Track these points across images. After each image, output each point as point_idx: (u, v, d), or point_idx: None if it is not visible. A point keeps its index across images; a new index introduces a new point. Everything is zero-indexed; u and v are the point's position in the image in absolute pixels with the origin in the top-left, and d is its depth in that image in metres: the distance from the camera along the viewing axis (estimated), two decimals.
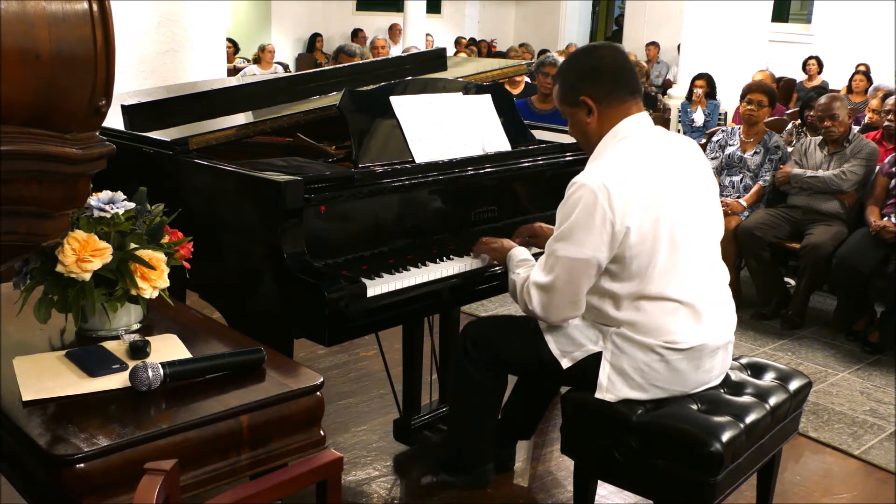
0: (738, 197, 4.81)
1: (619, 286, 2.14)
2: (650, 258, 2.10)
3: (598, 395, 2.19)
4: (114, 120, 2.57)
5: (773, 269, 4.74)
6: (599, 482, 2.41)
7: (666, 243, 2.11)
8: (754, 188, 4.80)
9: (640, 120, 2.22)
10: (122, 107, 2.64)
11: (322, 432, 1.79)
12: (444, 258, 2.44)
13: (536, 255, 2.33)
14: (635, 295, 2.14)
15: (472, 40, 14.87)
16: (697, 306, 2.17)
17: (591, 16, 16.95)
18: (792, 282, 4.86)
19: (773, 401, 2.26)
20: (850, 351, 4.29)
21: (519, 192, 2.81)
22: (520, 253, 2.37)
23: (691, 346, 2.16)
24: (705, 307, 2.18)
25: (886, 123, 4.92)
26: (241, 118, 2.76)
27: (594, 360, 2.22)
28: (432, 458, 2.81)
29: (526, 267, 2.30)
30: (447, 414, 2.84)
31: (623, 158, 2.14)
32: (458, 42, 14.45)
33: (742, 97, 5.03)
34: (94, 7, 1.25)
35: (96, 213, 1.87)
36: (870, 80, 9.33)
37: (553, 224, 2.60)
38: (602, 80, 2.22)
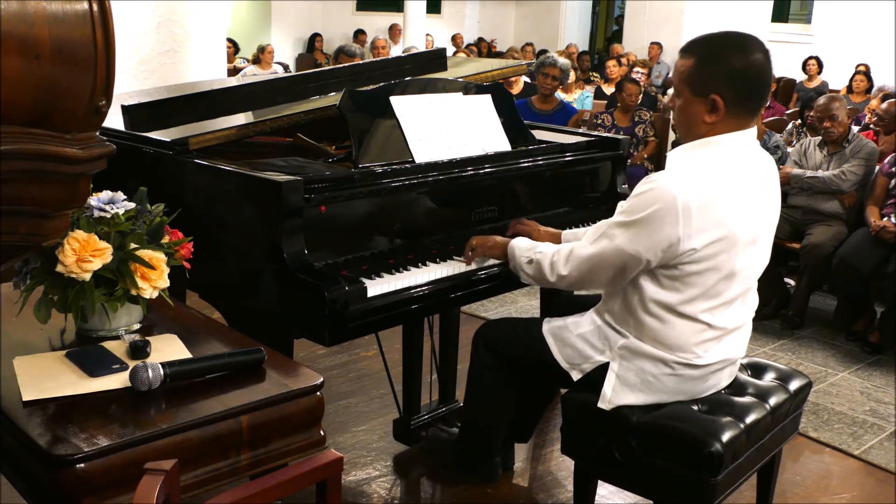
0: None
1: (658, 292, 2.10)
2: (698, 279, 2.06)
3: (600, 404, 2.18)
4: (114, 120, 2.57)
5: (773, 269, 4.73)
6: (599, 482, 2.41)
7: (719, 271, 2.06)
8: None
9: (746, 136, 2.11)
10: (122, 107, 2.64)
11: (322, 432, 1.79)
12: (445, 258, 2.44)
13: None
14: (669, 306, 2.10)
15: (480, 39, 14.88)
16: (724, 330, 2.15)
17: (591, 16, 16.94)
18: (792, 282, 4.86)
19: (773, 401, 2.26)
20: (850, 351, 4.30)
21: (519, 192, 2.81)
22: (524, 241, 2.36)
23: (707, 364, 2.15)
24: (731, 330, 2.17)
25: (872, 126, 4.93)
26: (241, 118, 2.76)
27: (599, 368, 2.22)
28: (443, 451, 2.83)
29: (545, 245, 2.29)
30: (462, 410, 2.84)
31: (711, 171, 2.04)
32: (454, 39, 14.45)
33: None
34: (94, 7, 1.25)
35: (96, 213, 1.87)
36: (870, 80, 9.35)
37: (552, 227, 2.62)
38: (743, 86, 2.05)
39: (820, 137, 4.75)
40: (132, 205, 1.93)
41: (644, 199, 2.02)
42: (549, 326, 2.33)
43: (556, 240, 2.52)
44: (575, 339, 2.26)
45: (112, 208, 1.88)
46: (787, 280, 4.96)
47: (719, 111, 2.06)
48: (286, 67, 11.20)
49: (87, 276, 1.80)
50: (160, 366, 1.66)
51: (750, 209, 2.09)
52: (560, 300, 3.02)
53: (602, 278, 2.15)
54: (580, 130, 4.05)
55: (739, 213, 2.05)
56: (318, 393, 1.77)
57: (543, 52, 10.27)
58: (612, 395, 2.17)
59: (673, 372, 2.14)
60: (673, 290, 2.09)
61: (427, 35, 13.02)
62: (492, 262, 2.47)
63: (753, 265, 2.17)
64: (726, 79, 2.05)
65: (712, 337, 2.14)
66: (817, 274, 4.49)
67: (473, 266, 2.44)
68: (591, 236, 2.17)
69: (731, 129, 2.08)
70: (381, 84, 2.60)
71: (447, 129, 2.61)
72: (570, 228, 2.66)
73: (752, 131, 2.14)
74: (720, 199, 2.02)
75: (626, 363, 2.17)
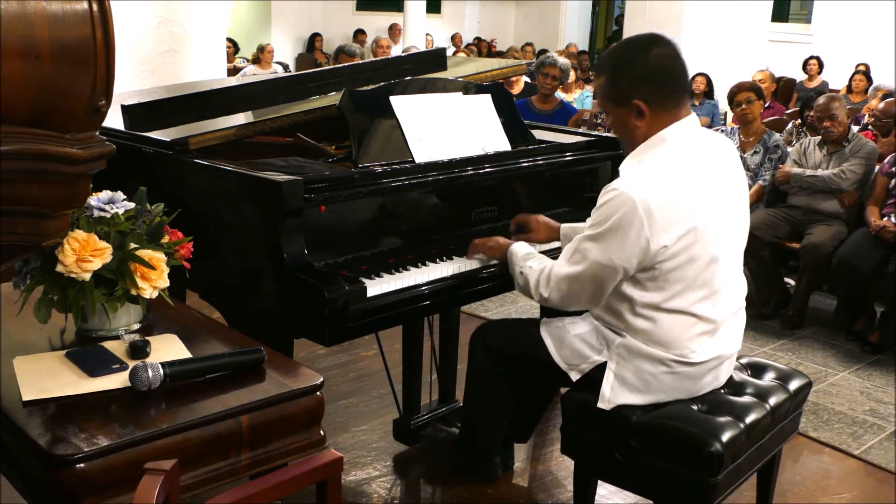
0: None
1: (642, 294, 2.11)
2: (680, 274, 2.07)
3: (600, 405, 2.18)
4: (114, 120, 2.57)
5: (773, 269, 4.74)
6: (599, 482, 2.41)
7: (697, 260, 2.07)
8: (754, 188, 4.80)
9: (686, 125, 2.15)
10: (122, 107, 2.64)
11: (322, 432, 1.79)
12: (444, 258, 2.44)
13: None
14: (655, 305, 2.11)
15: (479, 39, 14.88)
16: (715, 322, 2.15)
17: (591, 16, 16.95)
18: (792, 282, 4.86)
19: (773, 401, 2.26)
20: (850, 351, 4.29)
21: (519, 192, 2.81)
22: (522, 248, 2.36)
23: (703, 361, 2.16)
24: (722, 322, 2.17)
25: (870, 126, 4.93)
26: (241, 118, 2.76)
27: (598, 368, 2.22)
28: (441, 452, 2.82)
29: (536, 259, 2.30)
30: (462, 410, 2.83)
31: (665, 168, 2.08)
32: (454, 38, 14.45)
33: (730, 103, 5.03)
34: (94, 7, 1.25)
35: (96, 213, 1.87)
36: (870, 80, 9.34)
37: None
38: (656, 83, 2.12)
39: (820, 137, 4.75)
40: (132, 205, 1.93)
41: (606, 209, 2.06)
42: (548, 327, 2.33)
43: (555, 234, 2.53)
44: (573, 339, 2.27)
45: (112, 208, 1.88)
46: (787, 280, 4.95)
47: (645, 114, 2.12)
48: (286, 67, 11.20)
49: (87, 276, 1.80)
50: (160, 366, 1.66)
51: (712, 195, 2.12)
52: None
53: (583, 295, 2.17)
54: (580, 130, 4.05)
55: (702, 202, 2.08)
56: (318, 393, 1.77)
57: (543, 51, 10.27)
58: (612, 394, 2.17)
59: (670, 370, 2.14)
60: (657, 289, 2.10)
61: (427, 35, 13.02)
62: (492, 262, 2.47)
63: (732, 248, 2.19)
64: (637, 82, 2.12)
65: (704, 331, 2.14)
66: (817, 274, 4.49)
67: (473, 266, 2.44)
68: (566, 254, 2.19)
69: (666, 125, 2.13)
70: (381, 84, 2.60)
71: (447, 129, 2.61)
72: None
73: (691, 119, 2.17)
74: (679, 192, 2.05)
75: (623, 362, 2.17)
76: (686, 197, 2.06)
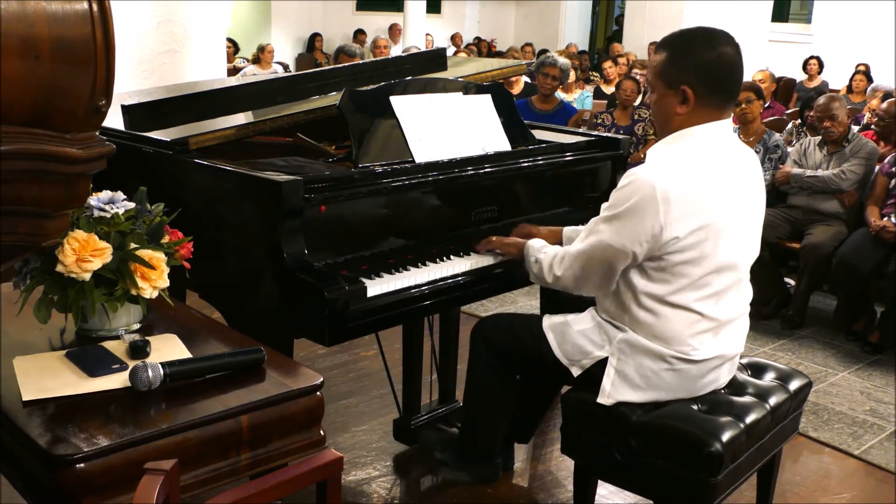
0: None
1: (647, 284, 2.12)
2: (686, 269, 2.08)
3: (600, 399, 2.18)
4: (114, 120, 2.57)
5: (773, 269, 4.74)
6: (599, 482, 2.41)
7: (707, 258, 2.08)
8: None
9: (720, 127, 2.15)
10: (122, 107, 2.64)
11: (322, 432, 1.79)
12: (444, 258, 2.44)
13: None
14: (660, 298, 2.11)
15: (479, 39, 14.88)
16: (719, 322, 2.16)
17: (591, 16, 16.94)
18: (792, 282, 4.86)
19: (773, 401, 2.26)
20: (850, 351, 4.29)
21: (519, 192, 2.81)
22: (538, 242, 2.38)
23: (704, 359, 2.16)
24: (725, 322, 2.18)
25: (873, 126, 4.92)
26: (241, 118, 2.75)
27: (599, 365, 2.22)
28: (440, 453, 2.82)
29: (551, 247, 2.32)
30: (462, 409, 2.83)
31: (689, 161, 2.09)
32: (454, 38, 14.46)
33: None
34: (94, 7, 1.25)
35: (96, 213, 1.87)
36: (870, 80, 9.34)
37: (552, 225, 2.62)
38: (712, 78, 2.11)
39: (820, 137, 4.75)
40: (132, 205, 1.93)
41: (624, 192, 2.07)
42: (550, 322, 2.34)
43: (557, 236, 2.54)
44: (575, 334, 2.27)
45: (112, 208, 1.88)
46: (787, 280, 4.95)
47: (689, 102, 2.11)
48: (286, 67, 11.20)
49: (87, 276, 1.80)
50: (160, 366, 1.66)
51: (731, 199, 2.12)
52: (560, 298, 3.02)
53: (593, 276, 2.18)
54: (580, 130, 4.05)
55: (720, 203, 2.09)
56: (318, 393, 1.77)
57: (543, 52, 10.27)
58: (612, 389, 2.18)
59: (671, 367, 2.14)
60: (662, 281, 2.10)
61: (427, 35, 13.02)
62: (492, 262, 2.47)
63: (742, 255, 2.19)
64: (696, 70, 2.11)
65: (707, 329, 2.14)
66: (817, 274, 4.49)
67: (473, 266, 2.44)
68: (581, 236, 2.21)
69: (703, 121, 2.13)
70: (381, 84, 2.60)
71: (447, 128, 2.61)
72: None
73: (726, 123, 2.18)
74: (699, 187, 2.06)
75: (624, 358, 2.17)
76: (705, 194, 2.06)
